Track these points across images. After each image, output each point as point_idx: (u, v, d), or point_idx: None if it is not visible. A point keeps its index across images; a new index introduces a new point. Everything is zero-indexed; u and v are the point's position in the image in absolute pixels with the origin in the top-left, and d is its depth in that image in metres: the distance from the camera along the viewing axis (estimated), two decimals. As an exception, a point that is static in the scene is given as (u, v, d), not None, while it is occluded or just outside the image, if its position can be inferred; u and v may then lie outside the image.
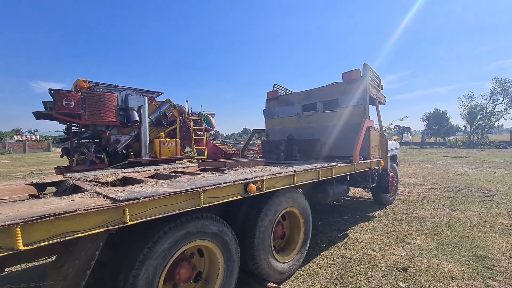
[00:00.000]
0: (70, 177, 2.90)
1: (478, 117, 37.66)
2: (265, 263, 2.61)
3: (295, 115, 5.63)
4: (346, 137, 4.59)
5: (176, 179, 2.51)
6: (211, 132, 9.67)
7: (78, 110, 5.24)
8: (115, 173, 3.11)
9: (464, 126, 39.47)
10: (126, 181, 2.90)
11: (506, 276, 2.83)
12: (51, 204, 1.55)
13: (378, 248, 3.59)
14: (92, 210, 1.40)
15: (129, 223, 1.53)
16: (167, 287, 2.01)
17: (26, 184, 2.63)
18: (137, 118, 6.07)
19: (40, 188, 2.69)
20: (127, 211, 1.52)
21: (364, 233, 4.19)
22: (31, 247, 1.23)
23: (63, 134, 7.47)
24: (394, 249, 3.56)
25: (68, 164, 5.78)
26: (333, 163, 3.64)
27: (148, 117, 6.41)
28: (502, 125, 41.53)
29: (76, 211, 1.35)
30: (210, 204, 1.97)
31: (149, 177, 3.09)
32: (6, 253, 1.17)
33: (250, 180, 2.28)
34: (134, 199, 1.56)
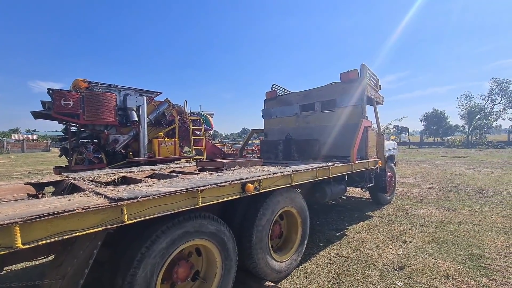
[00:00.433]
0: (69, 177, 2.91)
1: (477, 117, 37.82)
2: (262, 262, 2.63)
3: (293, 115, 5.65)
4: (344, 137, 4.62)
5: (174, 178, 2.53)
6: (210, 132, 9.68)
7: (76, 109, 5.24)
8: (113, 173, 3.12)
9: (462, 126, 39.64)
10: (124, 181, 2.91)
11: (501, 274, 2.86)
12: (50, 203, 1.56)
13: (375, 247, 3.61)
14: (90, 210, 1.41)
15: (127, 222, 1.55)
16: (165, 286, 2.02)
17: (25, 184, 2.64)
18: (136, 118, 6.08)
19: (39, 187, 2.70)
20: (125, 211, 1.54)
21: (361, 232, 4.22)
22: (30, 246, 1.24)
23: (61, 133, 7.47)
24: (391, 248, 3.59)
25: (67, 164, 5.79)
26: (330, 163, 3.66)
27: (147, 117, 6.42)
28: (500, 125, 41.75)
29: (74, 210, 1.36)
30: (207, 203, 1.99)
31: (148, 176, 3.10)
32: (5, 252, 1.19)
33: (248, 180, 2.30)
34: (132, 198, 1.58)
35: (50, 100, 5.14)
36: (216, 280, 2.26)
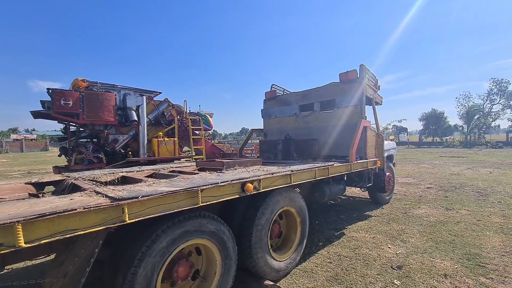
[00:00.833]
0: (69, 177, 2.92)
1: (475, 117, 37.92)
2: (262, 261, 2.65)
3: (292, 115, 5.67)
4: (343, 137, 4.64)
5: (174, 178, 2.54)
6: (210, 131, 9.69)
7: (76, 109, 5.24)
8: (113, 173, 3.13)
9: (461, 126, 39.74)
10: (124, 181, 2.92)
11: (498, 273, 2.89)
12: (51, 202, 1.57)
13: (373, 247, 3.64)
14: (91, 209, 1.43)
15: (128, 221, 1.57)
16: (165, 285, 2.04)
17: (25, 183, 2.65)
18: (135, 118, 6.08)
19: (39, 187, 2.71)
20: (126, 210, 1.56)
21: (360, 232, 4.25)
22: (32, 245, 1.26)
23: (60, 133, 7.47)
24: (389, 247, 3.61)
25: (66, 163, 5.79)
26: (329, 163, 3.68)
27: (147, 117, 6.42)
28: (499, 125, 41.86)
29: (76, 209, 1.38)
30: (207, 203, 2.01)
31: (148, 176, 3.11)
32: (8, 251, 1.20)
33: (248, 180, 2.32)
34: (133, 198, 1.59)
35: (50, 99, 5.14)
36: (216, 279, 2.27)
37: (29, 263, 3.22)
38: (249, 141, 9.88)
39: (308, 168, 3.14)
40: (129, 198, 1.58)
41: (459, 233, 4.05)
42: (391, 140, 7.12)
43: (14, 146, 39.81)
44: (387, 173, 5.42)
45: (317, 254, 3.49)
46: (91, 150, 5.67)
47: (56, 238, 1.32)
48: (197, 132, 7.79)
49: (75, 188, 2.45)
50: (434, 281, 2.78)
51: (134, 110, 6.17)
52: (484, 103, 38.85)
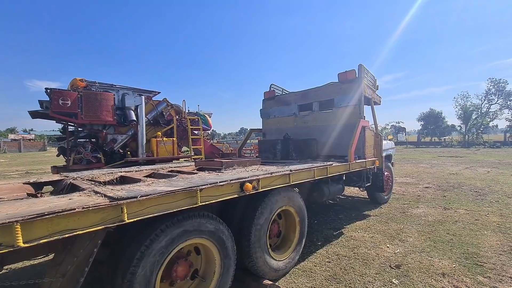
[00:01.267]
0: (67, 176, 2.91)
1: (473, 117, 38.06)
2: (261, 260, 2.65)
3: (291, 115, 5.68)
4: (342, 137, 4.65)
5: (173, 178, 2.54)
6: (208, 131, 9.68)
7: (74, 109, 5.22)
8: (112, 173, 3.12)
9: (459, 126, 39.89)
10: (123, 180, 2.92)
11: (496, 272, 2.90)
12: (50, 202, 1.57)
13: (372, 246, 3.65)
14: (90, 208, 1.43)
15: (127, 221, 1.57)
16: (164, 284, 2.04)
17: (24, 183, 2.64)
18: (134, 118, 6.06)
19: (38, 187, 2.70)
20: (125, 209, 1.56)
21: (359, 231, 4.26)
22: (31, 245, 1.26)
23: (59, 133, 7.44)
24: (388, 247, 3.62)
25: (65, 163, 5.77)
26: (328, 163, 3.68)
27: (145, 117, 6.41)
28: (497, 125, 42.11)
29: (75, 209, 1.37)
30: (206, 202, 2.01)
31: (146, 176, 3.11)
32: (7, 250, 1.20)
33: (246, 179, 2.32)
34: (132, 197, 1.59)
35: (48, 99, 5.12)
36: (215, 278, 2.28)
37: (27, 263, 3.21)
38: (248, 141, 9.88)
39: (307, 168, 3.14)
40: (128, 198, 1.58)
41: (457, 232, 4.07)
42: (389, 140, 7.14)
43: (12, 146, 39.63)
44: (386, 173, 5.44)
45: (316, 254, 3.50)
46: (89, 150, 5.65)
47: (55, 238, 1.32)
48: (196, 132, 7.78)
49: (73, 188, 2.44)
50: (432, 280, 2.79)
51: (132, 110, 6.15)
52: (482, 103, 39.03)
